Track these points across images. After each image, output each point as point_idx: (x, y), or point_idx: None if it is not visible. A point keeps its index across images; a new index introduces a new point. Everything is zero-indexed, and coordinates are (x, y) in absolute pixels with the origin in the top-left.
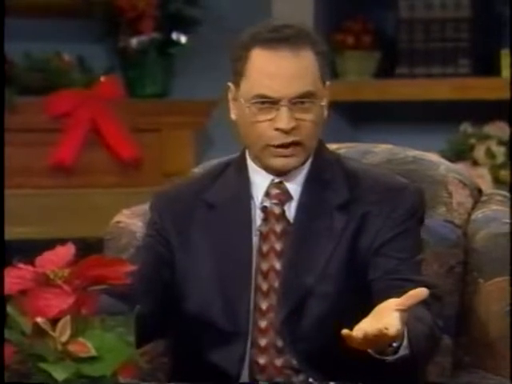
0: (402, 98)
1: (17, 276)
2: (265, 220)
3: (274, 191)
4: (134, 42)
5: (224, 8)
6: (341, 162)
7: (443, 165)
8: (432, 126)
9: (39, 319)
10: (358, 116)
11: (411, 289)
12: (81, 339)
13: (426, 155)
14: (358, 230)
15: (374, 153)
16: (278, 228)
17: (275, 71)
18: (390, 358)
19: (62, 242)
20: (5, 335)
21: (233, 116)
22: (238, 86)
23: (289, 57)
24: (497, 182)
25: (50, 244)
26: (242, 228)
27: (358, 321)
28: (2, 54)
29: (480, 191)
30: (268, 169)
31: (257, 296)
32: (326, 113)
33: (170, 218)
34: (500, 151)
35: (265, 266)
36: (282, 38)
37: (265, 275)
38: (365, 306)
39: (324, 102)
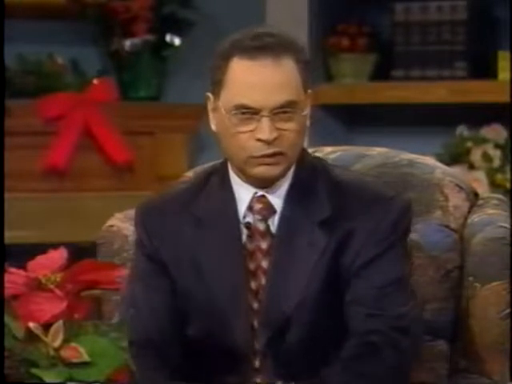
0: (397, 101)
1: (8, 280)
2: (250, 236)
3: (257, 206)
4: (127, 44)
5: (218, 10)
6: (325, 171)
7: (439, 168)
8: (428, 129)
9: (31, 324)
10: (353, 119)
11: (381, 327)
12: (73, 344)
13: (421, 158)
14: (340, 248)
15: (369, 156)
16: (264, 245)
17: (256, 81)
18: None
19: (55, 246)
20: None
21: (213, 127)
22: (217, 96)
23: (270, 66)
24: (493, 185)
25: (42, 248)
26: (230, 245)
27: (341, 341)
28: (2, 57)
29: (476, 195)
30: (251, 179)
31: (249, 316)
32: (308, 121)
33: (159, 237)
34: (496, 154)
35: (254, 285)
36: (262, 46)
37: (254, 294)
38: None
39: (306, 111)
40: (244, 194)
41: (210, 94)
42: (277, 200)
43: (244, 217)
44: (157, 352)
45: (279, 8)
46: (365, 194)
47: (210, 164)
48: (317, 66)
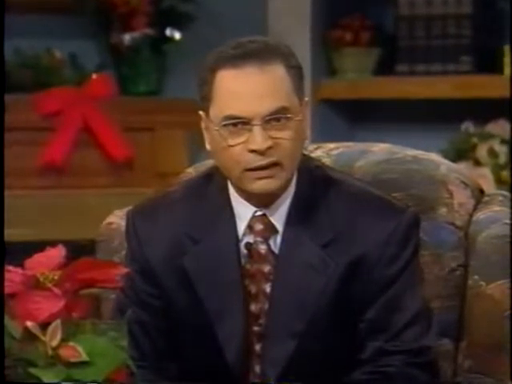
0: (401, 96)
1: (6, 279)
2: (250, 257)
3: (258, 227)
4: (126, 38)
5: (219, 4)
6: (329, 184)
7: (444, 165)
8: (433, 124)
9: (29, 323)
10: (357, 115)
11: (398, 363)
12: (72, 344)
13: (426, 155)
14: (347, 275)
15: (373, 152)
16: (266, 268)
17: (242, 89)
18: None
19: (53, 243)
20: None
21: (208, 146)
22: (207, 112)
23: (255, 73)
24: (499, 182)
25: (39, 246)
26: (228, 267)
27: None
28: (2, 53)
29: (482, 192)
30: (250, 196)
31: (250, 340)
32: (306, 131)
33: (151, 248)
34: (503, 151)
35: (254, 308)
36: (246, 53)
37: (256, 318)
38: (353, 344)
39: (300, 117)
40: (243, 211)
41: (201, 112)
42: (278, 219)
43: (243, 235)
44: (152, 366)
45: (281, 1)
46: (374, 207)
47: (209, 166)
48: (319, 61)
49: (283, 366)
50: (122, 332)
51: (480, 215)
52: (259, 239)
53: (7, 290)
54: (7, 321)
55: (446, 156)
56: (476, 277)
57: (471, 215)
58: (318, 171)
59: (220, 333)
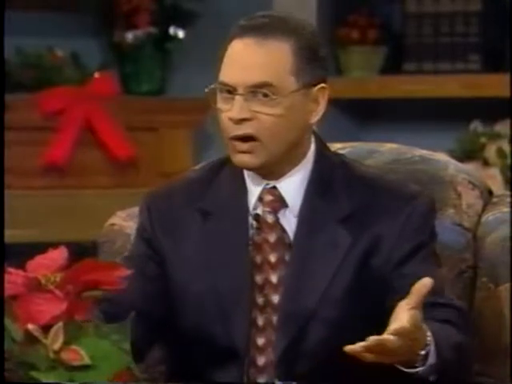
0: (409, 95)
1: (7, 281)
2: (258, 229)
3: (268, 198)
4: (129, 36)
5: (223, 2)
6: (345, 167)
7: (452, 165)
8: (440, 124)
9: (30, 326)
10: (363, 114)
11: (440, 312)
12: (74, 347)
13: (433, 155)
14: (367, 250)
15: (380, 152)
16: (272, 238)
17: (237, 58)
18: (420, 369)
19: (54, 245)
20: None
21: None
22: None
23: (251, 44)
24: (508, 182)
25: (41, 247)
26: (237, 238)
27: None
28: (2, 53)
29: (490, 192)
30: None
31: (253, 311)
32: (312, 116)
33: (162, 226)
34: None
35: (259, 279)
36: (251, 26)
37: (260, 289)
38: (374, 333)
39: (289, 99)
40: (254, 184)
41: None
42: (289, 193)
43: (254, 208)
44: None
45: None
46: (390, 190)
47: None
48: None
49: (296, 336)
50: (124, 335)
51: (489, 216)
52: (267, 209)
53: (8, 291)
54: (8, 323)
55: (454, 156)
56: (485, 279)
57: (480, 216)
58: (336, 156)
59: (224, 304)
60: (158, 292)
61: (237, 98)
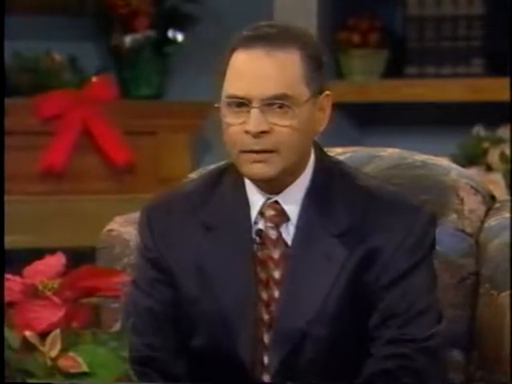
0: (410, 99)
1: (4, 287)
2: (261, 244)
3: (270, 212)
4: (127, 40)
5: (223, 4)
6: (345, 177)
7: (454, 170)
8: (443, 128)
9: (27, 333)
10: (364, 118)
11: (407, 351)
12: (71, 354)
13: (435, 160)
14: (363, 265)
15: (381, 157)
16: (276, 254)
17: (246, 71)
18: None
19: (52, 251)
20: None
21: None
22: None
23: (262, 55)
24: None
25: (38, 253)
26: (240, 253)
27: (359, 364)
28: (2, 55)
29: (493, 198)
30: (255, 182)
31: (259, 328)
32: (321, 123)
33: (165, 242)
34: None
35: (265, 296)
36: (258, 36)
37: (266, 305)
38: (366, 349)
39: (304, 109)
40: (256, 199)
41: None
42: (290, 207)
43: (255, 223)
44: (159, 370)
45: (287, 2)
46: (390, 203)
47: (224, 162)
48: (326, 63)
49: (289, 355)
50: (123, 342)
51: (491, 222)
52: (270, 225)
53: (6, 298)
54: (5, 330)
55: (456, 161)
56: (487, 285)
57: (482, 222)
58: (335, 165)
59: (230, 322)
60: (176, 312)
61: (253, 110)
